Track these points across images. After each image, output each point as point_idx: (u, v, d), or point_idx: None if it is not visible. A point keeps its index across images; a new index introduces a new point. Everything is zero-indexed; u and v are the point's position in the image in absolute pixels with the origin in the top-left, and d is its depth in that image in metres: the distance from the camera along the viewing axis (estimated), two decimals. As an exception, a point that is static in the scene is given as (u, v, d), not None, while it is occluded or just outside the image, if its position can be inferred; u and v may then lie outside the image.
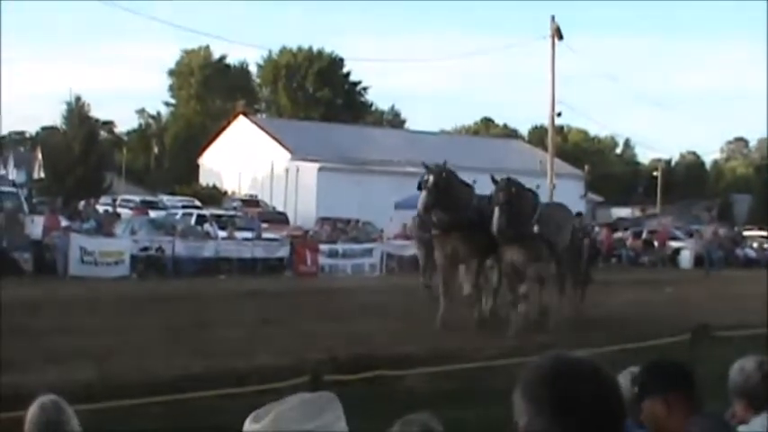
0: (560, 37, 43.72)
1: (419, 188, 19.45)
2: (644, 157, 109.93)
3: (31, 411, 4.37)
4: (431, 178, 18.96)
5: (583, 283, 22.00)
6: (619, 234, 50.23)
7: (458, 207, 19.15)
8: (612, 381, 2.30)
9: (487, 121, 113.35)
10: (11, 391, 11.34)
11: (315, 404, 2.80)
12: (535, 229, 18.67)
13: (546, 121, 50.19)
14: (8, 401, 10.71)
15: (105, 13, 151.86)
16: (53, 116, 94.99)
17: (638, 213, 76.64)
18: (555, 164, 47.38)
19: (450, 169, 19.89)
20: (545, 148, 60.10)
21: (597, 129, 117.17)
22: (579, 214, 26.13)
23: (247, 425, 2.66)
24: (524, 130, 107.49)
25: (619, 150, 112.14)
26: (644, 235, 49.72)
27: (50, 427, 4.23)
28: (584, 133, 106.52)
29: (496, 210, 18.04)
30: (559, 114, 45.63)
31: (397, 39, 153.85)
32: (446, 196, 18.95)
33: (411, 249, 37.76)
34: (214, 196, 57.04)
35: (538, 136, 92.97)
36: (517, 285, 18.92)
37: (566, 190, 52.22)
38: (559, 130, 68.90)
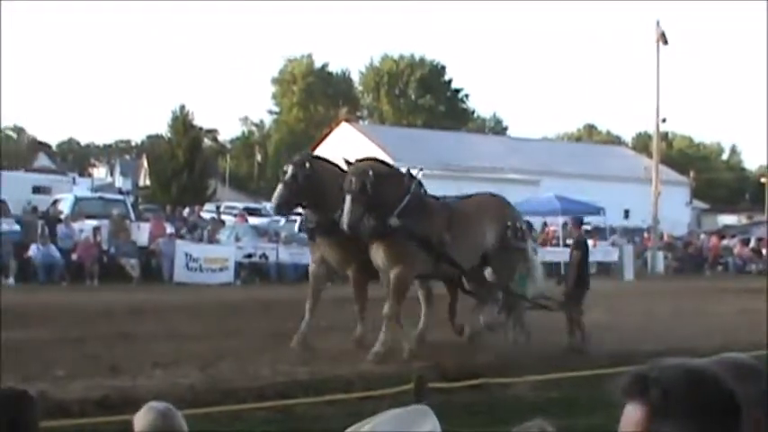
0: (665, 42, 43.15)
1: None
2: (751, 163, 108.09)
3: (142, 416, 4.38)
4: (289, 170, 15.72)
5: (509, 307, 16.88)
6: (725, 242, 49.21)
7: (326, 205, 15.34)
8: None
9: (590, 128, 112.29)
10: (119, 394, 11.53)
11: (410, 418, 2.75)
12: (393, 222, 14.82)
13: (650, 128, 49.53)
14: (116, 405, 10.90)
15: (210, 23, 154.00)
16: (158, 124, 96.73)
17: (744, 221, 75.05)
18: (660, 171, 46.68)
19: (324, 158, 16.66)
20: (649, 155, 59.42)
21: (702, 135, 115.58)
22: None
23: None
24: (628, 136, 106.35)
25: (725, 156, 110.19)
26: (752, 243, 48.64)
27: (162, 433, 4.24)
28: (689, 139, 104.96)
29: (347, 200, 14.36)
30: (664, 120, 45.05)
31: (499, 45, 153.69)
32: (311, 192, 15.54)
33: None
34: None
35: (642, 142, 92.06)
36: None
37: (671, 197, 51.61)
38: (664, 136, 67.80)
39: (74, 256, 28.21)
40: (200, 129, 75.13)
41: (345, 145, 67.38)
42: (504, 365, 14.01)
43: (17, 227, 30.56)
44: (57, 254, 27.67)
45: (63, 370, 12.84)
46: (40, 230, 29.13)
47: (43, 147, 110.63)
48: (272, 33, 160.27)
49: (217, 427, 9.77)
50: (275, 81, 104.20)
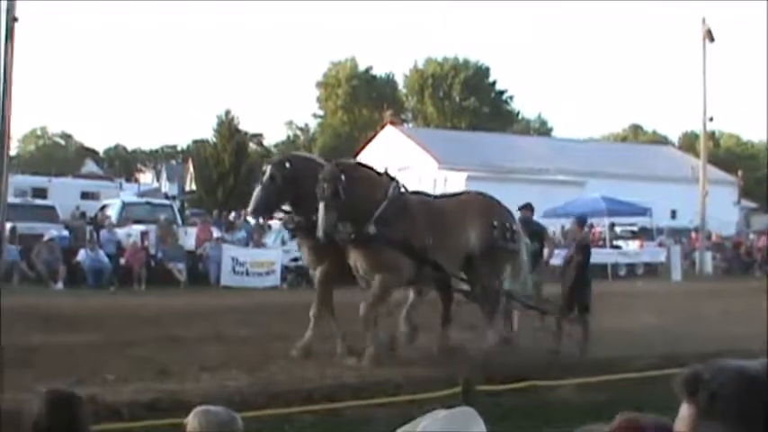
0: (712, 39, 42.76)
1: None
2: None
3: (196, 421, 4.41)
4: (267, 171, 15.15)
5: (489, 312, 15.82)
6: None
7: (307, 206, 14.59)
8: None
9: (636, 128, 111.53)
10: (168, 398, 11.62)
11: (456, 420, 2.77)
12: (371, 229, 14.19)
13: (697, 127, 49.14)
14: (166, 409, 10.99)
15: (254, 27, 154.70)
16: (204, 129, 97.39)
17: (795, 220, 74.29)
18: (707, 170, 46.28)
19: (306, 157, 15.99)
20: (696, 155, 58.99)
21: (750, 133, 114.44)
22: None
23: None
24: (675, 136, 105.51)
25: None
26: (803, 242, 48.04)
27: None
28: (737, 138, 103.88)
29: (320, 207, 13.78)
30: (711, 119, 44.64)
31: (543, 46, 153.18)
32: (290, 193, 14.96)
33: (560, 258, 37.47)
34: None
35: (689, 142, 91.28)
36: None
37: (718, 197, 51.12)
38: (711, 135, 67.26)
39: (122, 261, 28.48)
40: (246, 133, 75.49)
41: (390, 148, 67.51)
42: (550, 368, 13.97)
43: (66, 232, 30.95)
44: (105, 259, 27.93)
45: (113, 373, 12.97)
46: (88, 236, 29.45)
47: (90, 153, 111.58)
48: (316, 37, 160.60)
49: (265, 430, 9.83)
50: (320, 85, 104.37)
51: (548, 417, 11.46)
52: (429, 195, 16.74)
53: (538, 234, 18.68)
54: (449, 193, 17.27)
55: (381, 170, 15.59)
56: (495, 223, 15.76)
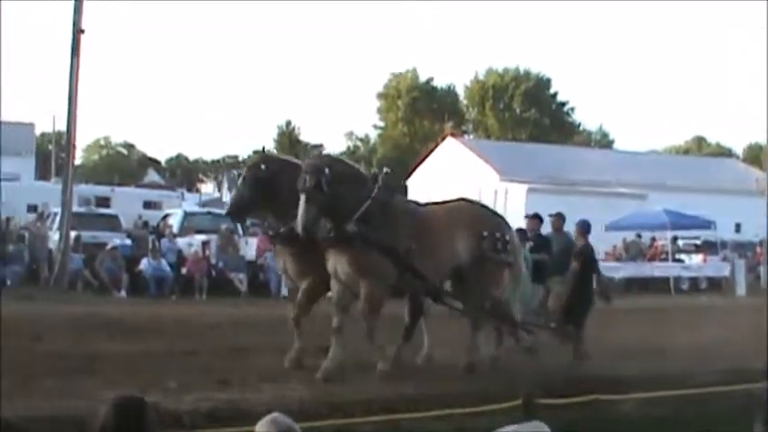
0: (777, 51, 42.24)
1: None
2: None
3: (263, 429, 4.44)
4: (243, 173, 14.59)
5: (476, 324, 15.10)
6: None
7: (285, 211, 13.81)
8: None
9: (700, 140, 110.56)
10: (229, 407, 11.67)
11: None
12: (350, 228, 13.38)
13: (762, 139, 48.51)
14: (226, 418, 11.05)
15: (315, 39, 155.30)
16: (265, 140, 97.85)
17: None
18: (772, 182, 45.69)
19: (283, 158, 15.01)
20: (761, 167, 58.28)
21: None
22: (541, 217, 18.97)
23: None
24: (739, 148, 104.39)
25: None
26: None
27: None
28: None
29: (301, 199, 12.94)
30: (776, 130, 44.08)
31: (605, 57, 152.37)
32: (267, 196, 14.29)
33: (622, 271, 37.23)
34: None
35: (753, 154, 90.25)
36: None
37: (785, 209, 50.35)
38: (775, 146, 66.36)
39: (183, 270, 28.69)
40: (306, 144, 76.03)
41: (451, 160, 67.52)
42: (612, 382, 13.82)
43: (129, 241, 31.29)
44: (167, 268, 28.16)
45: (174, 382, 13.03)
46: (150, 245, 29.72)
47: (153, 163, 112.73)
48: (377, 48, 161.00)
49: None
50: (380, 96, 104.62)
51: None
52: (419, 204, 15.83)
53: (545, 246, 17.87)
54: (439, 201, 16.19)
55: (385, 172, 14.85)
56: (485, 233, 14.83)
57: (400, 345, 15.18)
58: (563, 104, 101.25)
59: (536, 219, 18.50)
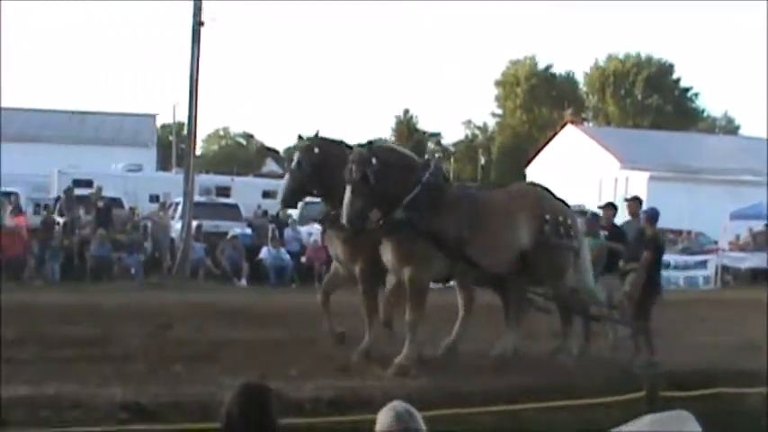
0: None
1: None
2: None
3: (383, 415, 4.45)
4: (295, 157, 14.21)
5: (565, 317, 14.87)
6: None
7: (337, 195, 13.17)
8: None
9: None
10: (350, 395, 11.74)
11: (673, 422, 2.66)
12: (398, 215, 13.00)
13: None
14: (348, 406, 11.12)
15: (432, 27, 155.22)
16: (382, 129, 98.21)
17: None
18: None
19: (338, 142, 14.29)
20: None
21: None
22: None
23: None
24: None
25: None
26: None
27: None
28: None
29: (347, 190, 12.68)
30: None
31: (730, 41, 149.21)
32: (319, 181, 13.98)
33: (748, 261, 36.33)
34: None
35: None
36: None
37: None
38: None
39: (303, 259, 28.92)
40: (424, 132, 76.18)
41: (571, 147, 66.86)
42: (738, 375, 13.49)
43: (249, 230, 31.65)
44: (286, 256, 28.43)
45: (295, 369, 13.15)
46: (270, 234, 30.01)
47: (271, 152, 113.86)
48: (494, 36, 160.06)
49: (446, 430, 9.79)
50: (498, 83, 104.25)
51: (735, 426, 11.08)
52: (478, 189, 15.38)
53: (620, 236, 16.81)
54: (496, 185, 15.33)
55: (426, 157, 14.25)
56: (548, 217, 14.30)
57: (506, 334, 14.79)
58: (686, 90, 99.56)
59: (610, 207, 17.82)
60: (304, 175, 13.89)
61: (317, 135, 14.04)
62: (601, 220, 17.39)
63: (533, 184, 16.04)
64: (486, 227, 13.72)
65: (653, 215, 16.11)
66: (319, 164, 13.75)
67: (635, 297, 15.14)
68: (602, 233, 16.86)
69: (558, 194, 15.25)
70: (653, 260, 15.39)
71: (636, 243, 15.96)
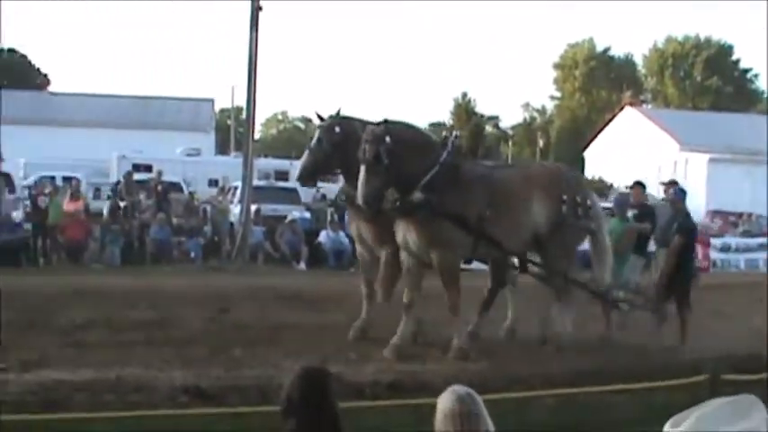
0: None
1: None
2: None
3: (444, 398, 4.49)
4: (315, 135, 13.95)
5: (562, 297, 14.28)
6: None
7: (352, 173, 12.98)
8: None
9: None
10: (409, 378, 11.79)
11: (740, 406, 2.67)
12: (416, 196, 12.69)
13: None
14: (407, 389, 11.16)
15: (491, 11, 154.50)
16: (441, 112, 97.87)
17: None
18: None
19: (361, 121, 13.83)
20: None
21: None
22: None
23: (667, 428, 2.58)
24: None
25: None
26: None
27: (470, 418, 4.34)
28: None
29: (361, 170, 12.34)
30: None
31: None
32: (340, 159, 13.73)
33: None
34: (600, 189, 56.88)
35: None
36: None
37: None
38: None
39: (361, 243, 28.95)
40: (482, 116, 75.89)
41: (629, 130, 66.36)
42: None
43: (308, 214, 31.79)
44: (345, 240, 28.40)
45: (355, 353, 13.21)
46: (329, 218, 30.09)
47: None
48: (553, 19, 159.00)
49: (507, 413, 9.81)
50: (557, 66, 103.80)
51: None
52: (496, 167, 14.93)
53: (648, 216, 16.25)
54: (514, 164, 14.95)
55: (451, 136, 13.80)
56: (565, 197, 13.99)
57: (478, 318, 14.82)
58: (746, 71, 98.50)
59: (639, 186, 17.41)
60: (324, 153, 13.67)
61: (338, 113, 13.84)
62: (630, 199, 17.08)
63: (551, 164, 15.55)
64: (506, 206, 13.52)
65: (680, 195, 15.73)
66: (340, 143, 13.51)
67: (663, 283, 14.80)
68: (631, 212, 16.47)
69: (617, 177, 15.10)
70: (684, 244, 14.93)
71: (668, 226, 15.64)
